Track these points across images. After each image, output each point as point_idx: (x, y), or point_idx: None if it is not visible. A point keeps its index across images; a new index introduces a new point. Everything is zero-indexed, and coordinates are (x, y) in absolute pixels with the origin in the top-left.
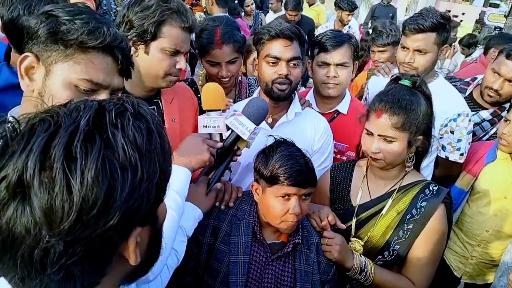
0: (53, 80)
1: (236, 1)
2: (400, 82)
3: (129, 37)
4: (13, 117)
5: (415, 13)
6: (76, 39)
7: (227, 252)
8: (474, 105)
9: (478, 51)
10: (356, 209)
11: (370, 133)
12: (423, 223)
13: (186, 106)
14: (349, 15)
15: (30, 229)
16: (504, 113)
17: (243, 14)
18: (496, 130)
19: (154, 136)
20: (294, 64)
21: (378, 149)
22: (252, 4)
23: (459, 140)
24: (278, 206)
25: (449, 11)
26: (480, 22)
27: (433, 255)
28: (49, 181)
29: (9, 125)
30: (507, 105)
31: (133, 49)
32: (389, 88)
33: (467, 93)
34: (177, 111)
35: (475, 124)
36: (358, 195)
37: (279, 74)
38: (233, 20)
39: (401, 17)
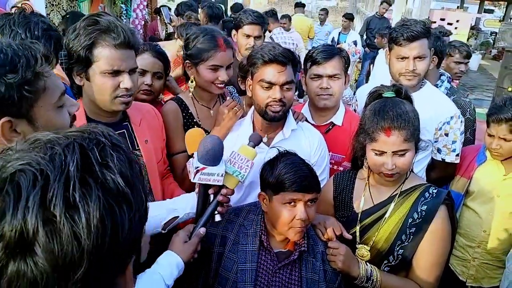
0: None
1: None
2: (384, 95)
3: (71, 67)
4: None
5: (399, 25)
6: None
7: (235, 261)
8: None
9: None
10: (359, 215)
11: (381, 153)
12: (425, 226)
13: (154, 126)
14: None
15: (38, 283)
16: None
17: None
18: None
19: (133, 164)
20: (288, 88)
21: (394, 165)
22: None
23: (453, 142)
24: (285, 212)
25: (443, 19)
26: (475, 28)
27: (439, 256)
28: (54, 234)
29: None
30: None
31: (78, 78)
32: (381, 103)
33: None
34: (147, 132)
35: None
36: (361, 202)
37: (273, 98)
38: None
39: None
